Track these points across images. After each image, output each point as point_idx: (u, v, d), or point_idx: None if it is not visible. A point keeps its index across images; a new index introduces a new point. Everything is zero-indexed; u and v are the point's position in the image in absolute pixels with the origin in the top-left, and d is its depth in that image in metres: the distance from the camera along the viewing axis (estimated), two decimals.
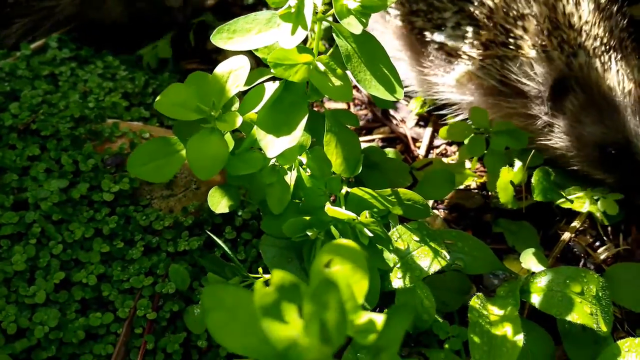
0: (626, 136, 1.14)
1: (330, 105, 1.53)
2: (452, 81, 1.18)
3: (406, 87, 1.38)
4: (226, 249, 0.94)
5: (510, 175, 1.13)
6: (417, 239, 0.93)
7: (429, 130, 1.50)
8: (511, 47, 1.16)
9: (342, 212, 0.86)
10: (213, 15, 1.69)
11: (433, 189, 1.07)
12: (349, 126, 1.01)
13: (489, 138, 1.23)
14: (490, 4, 1.18)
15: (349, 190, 0.96)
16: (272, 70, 0.87)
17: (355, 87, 1.49)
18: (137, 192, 1.14)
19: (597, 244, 1.26)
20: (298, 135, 0.85)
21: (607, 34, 1.16)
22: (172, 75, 1.49)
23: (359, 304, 0.53)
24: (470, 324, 0.89)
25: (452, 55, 1.11)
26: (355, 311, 0.52)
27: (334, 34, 0.85)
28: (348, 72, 0.88)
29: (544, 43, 1.14)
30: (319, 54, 0.88)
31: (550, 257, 1.16)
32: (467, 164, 1.35)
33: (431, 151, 1.49)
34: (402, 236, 0.94)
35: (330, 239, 0.88)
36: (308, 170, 0.96)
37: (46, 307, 0.98)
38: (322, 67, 0.84)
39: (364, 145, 1.16)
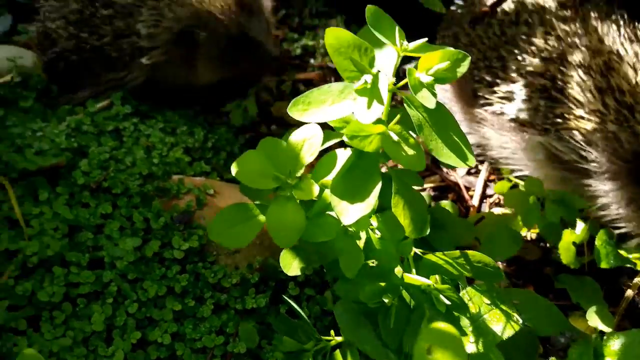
0: None
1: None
2: (522, 152, 1.18)
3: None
4: (301, 313, 0.97)
5: (572, 237, 1.13)
6: (488, 301, 0.93)
7: (481, 179, 1.51)
8: (588, 121, 1.15)
9: (418, 279, 0.87)
10: None
11: (499, 248, 1.07)
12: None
13: (543, 204, 1.22)
14: (564, 77, 1.18)
15: (418, 252, 0.97)
16: (344, 139, 0.90)
17: None
18: (204, 247, 1.18)
19: None
20: (372, 202, 0.88)
21: None
22: (228, 130, 1.54)
23: None
24: None
25: (523, 125, 1.12)
26: None
27: (405, 105, 0.88)
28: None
29: (626, 118, 1.12)
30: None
31: (617, 314, 1.14)
32: None
33: (484, 200, 1.50)
34: (472, 299, 0.95)
35: (404, 305, 0.89)
36: (377, 232, 0.98)
37: None
38: (395, 137, 0.87)
39: None
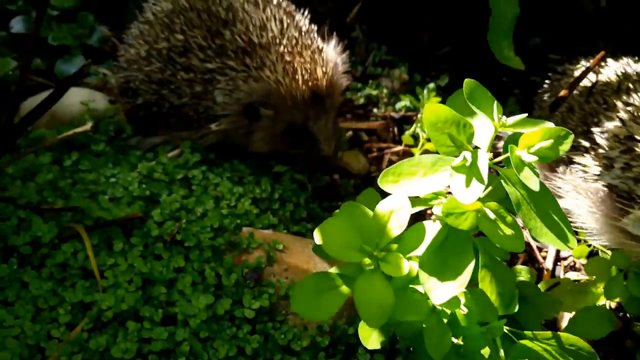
0: None
1: None
2: (611, 221, 1.12)
3: None
4: None
5: None
6: None
7: None
8: None
9: None
10: None
11: (589, 329, 1.01)
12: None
13: (626, 274, 1.16)
14: None
15: (506, 331, 0.93)
16: (434, 212, 0.88)
17: None
18: (274, 306, 1.16)
19: None
20: (465, 280, 0.84)
21: None
22: (293, 180, 1.52)
23: None
24: None
25: (622, 197, 1.07)
26: None
27: (502, 182, 0.85)
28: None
29: None
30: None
31: None
32: None
33: (558, 263, 1.44)
34: None
35: None
36: (463, 308, 0.94)
37: None
38: (492, 215, 0.84)
39: None
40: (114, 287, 1.14)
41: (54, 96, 1.24)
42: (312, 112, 1.37)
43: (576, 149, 1.20)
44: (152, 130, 1.50)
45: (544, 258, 1.44)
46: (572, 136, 0.83)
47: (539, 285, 1.31)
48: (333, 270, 0.93)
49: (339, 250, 0.87)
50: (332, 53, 1.48)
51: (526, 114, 0.85)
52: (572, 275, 1.41)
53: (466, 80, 0.86)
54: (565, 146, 0.82)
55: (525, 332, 0.92)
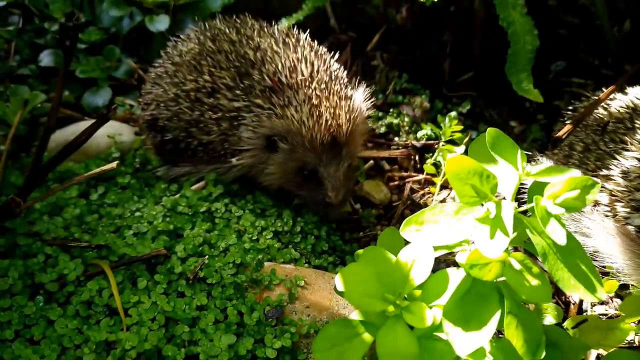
0: None
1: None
2: None
3: None
4: None
5: None
6: None
7: None
8: None
9: None
10: None
11: None
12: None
13: None
14: None
15: None
16: (457, 260, 0.86)
17: None
18: (295, 345, 1.16)
19: None
20: (491, 331, 0.82)
21: None
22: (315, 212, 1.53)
23: None
24: None
25: None
26: None
27: (528, 231, 0.84)
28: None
29: None
30: None
31: None
32: None
33: None
34: None
35: None
36: (489, 356, 0.92)
37: None
38: (517, 266, 0.83)
39: None
40: (138, 325, 1.15)
41: (88, 133, 1.27)
42: (326, 157, 1.38)
43: (601, 190, 1.17)
44: (178, 162, 1.52)
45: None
46: (599, 185, 0.81)
47: (566, 323, 1.28)
48: (355, 315, 0.92)
49: (361, 299, 0.87)
50: (359, 101, 1.48)
51: (551, 162, 0.84)
52: (600, 309, 1.37)
53: (489, 129, 0.85)
54: (593, 196, 0.81)
55: None
